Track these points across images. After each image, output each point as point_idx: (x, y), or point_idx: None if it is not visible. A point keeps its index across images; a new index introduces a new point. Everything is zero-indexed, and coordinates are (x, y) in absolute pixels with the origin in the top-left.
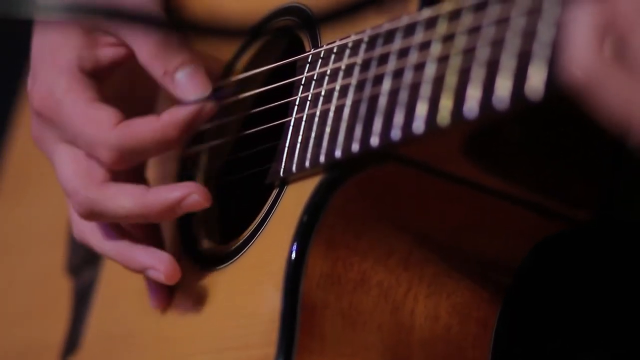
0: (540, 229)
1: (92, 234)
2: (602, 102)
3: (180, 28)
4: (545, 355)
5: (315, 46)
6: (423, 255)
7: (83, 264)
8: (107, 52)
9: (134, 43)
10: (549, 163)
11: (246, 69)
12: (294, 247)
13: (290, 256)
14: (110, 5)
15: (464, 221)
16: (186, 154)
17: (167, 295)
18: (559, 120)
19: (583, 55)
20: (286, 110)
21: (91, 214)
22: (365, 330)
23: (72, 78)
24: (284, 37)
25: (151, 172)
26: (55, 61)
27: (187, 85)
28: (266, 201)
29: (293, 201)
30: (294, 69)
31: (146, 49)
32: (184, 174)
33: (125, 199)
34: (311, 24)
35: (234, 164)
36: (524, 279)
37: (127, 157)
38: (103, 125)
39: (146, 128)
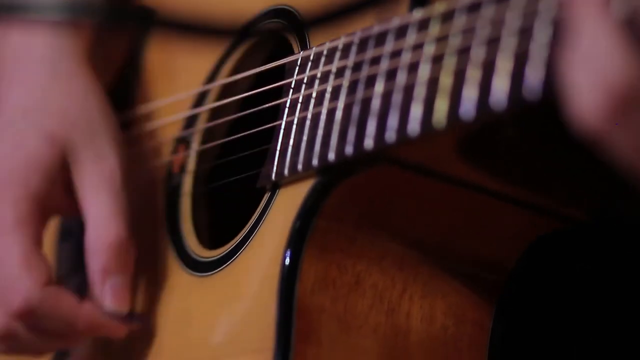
0: (535, 228)
1: None
2: (613, 150)
3: (168, 27)
4: (541, 355)
5: (304, 49)
6: (417, 256)
7: (72, 270)
8: (61, 202)
9: (89, 213)
10: (545, 162)
11: (233, 72)
12: (288, 253)
13: (284, 262)
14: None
15: (458, 221)
16: (174, 158)
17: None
18: (556, 120)
19: (590, 111)
20: (275, 113)
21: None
22: (361, 334)
23: (28, 208)
24: (272, 39)
25: (138, 178)
26: (16, 158)
27: (111, 296)
28: (257, 205)
29: (286, 205)
30: (281, 72)
31: (95, 233)
32: (172, 179)
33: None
34: (299, 26)
35: (222, 167)
36: (519, 279)
37: (34, 317)
38: (35, 278)
39: (66, 305)
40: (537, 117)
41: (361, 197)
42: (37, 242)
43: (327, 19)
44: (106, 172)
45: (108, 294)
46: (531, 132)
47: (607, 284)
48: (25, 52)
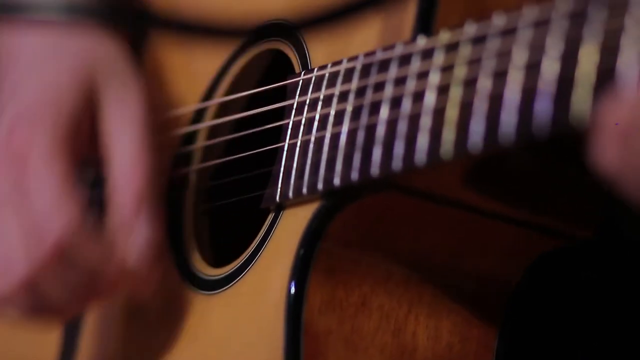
0: (537, 246)
1: None
2: (627, 190)
3: (174, 27)
4: None
5: (305, 66)
6: (422, 276)
7: None
8: (84, 146)
9: (114, 156)
10: (549, 185)
11: (231, 86)
12: (293, 283)
13: (290, 291)
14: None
15: (461, 242)
16: (174, 175)
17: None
18: (564, 151)
19: (609, 153)
20: (275, 132)
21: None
22: (368, 355)
23: (61, 142)
24: (270, 54)
25: None
26: (46, 93)
27: (139, 245)
28: (262, 226)
29: (290, 227)
30: (282, 91)
31: (121, 174)
32: (172, 194)
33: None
34: (298, 41)
35: (224, 186)
36: (522, 296)
37: (64, 261)
38: (72, 213)
39: (98, 249)
40: (546, 150)
41: (365, 220)
42: (71, 178)
43: (320, 23)
44: (131, 115)
45: (138, 239)
46: (538, 159)
47: (610, 300)
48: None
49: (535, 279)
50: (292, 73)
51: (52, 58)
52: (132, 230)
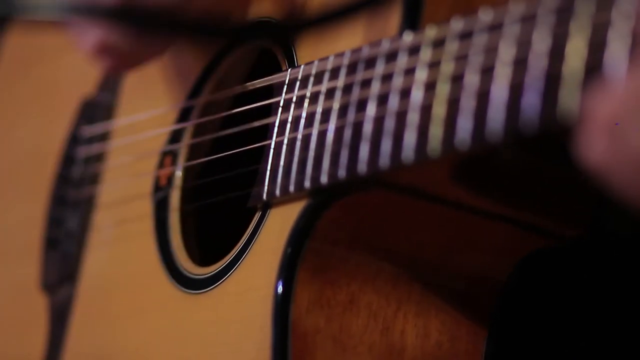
0: (525, 244)
1: None
2: (614, 185)
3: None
4: None
5: (292, 64)
6: (411, 274)
7: (59, 281)
8: None
9: None
10: (537, 181)
11: (218, 84)
12: (280, 282)
13: (277, 290)
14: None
15: (450, 239)
16: (160, 172)
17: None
18: (552, 148)
19: (596, 146)
20: (261, 130)
21: None
22: (357, 353)
23: None
24: (256, 51)
25: (123, 188)
26: None
27: None
28: (247, 223)
29: (277, 225)
30: (267, 88)
31: None
32: (158, 192)
33: None
34: (284, 39)
35: (210, 184)
36: (511, 294)
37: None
38: None
39: None
40: (533, 144)
41: (353, 217)
42: None
43: (310, 26)
44: None
45: None
46: (526, 156)
47: (600, 299)
48: None
49: (524, 277)
50: (278, 71)
51: None
52: None
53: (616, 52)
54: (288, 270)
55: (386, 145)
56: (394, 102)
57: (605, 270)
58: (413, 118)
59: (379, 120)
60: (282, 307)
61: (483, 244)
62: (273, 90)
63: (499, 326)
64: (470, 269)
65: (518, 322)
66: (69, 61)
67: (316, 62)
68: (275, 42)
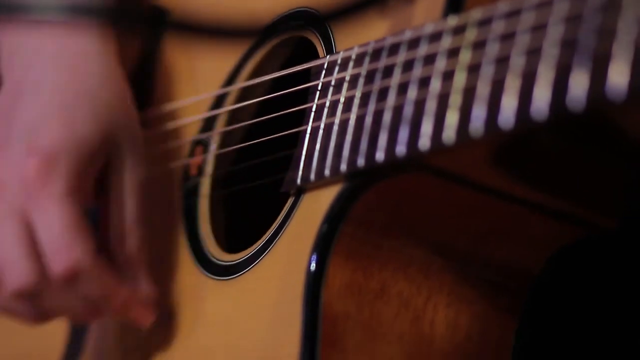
0: (562, 236)
1: None
2: None
3: (185, 29)
4: None
5: (330, 51)
6: (442, 264)
7: None
8: (89, 193)
9: (117, 215)
10: (577, 168)
11: (252, 75)
12: (314, 257)
13: (310, 267)
14: (111, 6)
15: (484, 228)
16: (191, 160)
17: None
18: (595, 131)
19: None
20: (294, 116)
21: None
22: (386, 341)
23: (77, 184)
24: (293, 42)
25: (154, 178)
26: (69, 128)
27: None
28: (278, 209)
29: (312, 210)
30: (305, 76)
31: (123, 237)
32: (189, 181)
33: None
34: (323, 27)
35: (241, 171)
36: (543, 287)
37: (76, 281)
38: (88, 245)
39: (110, 279)
40: (576, 127)
41: (388, 203)
42: (82, 220)
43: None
44: (139, 180)
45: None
46: (567, 139)
47: (631, 293)
48: (59, 48)
49: (557, 271)
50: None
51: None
52: (134, 277)
53: None
54: (322, 249)
55: (426, 127)
56: (435, 84)
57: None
58: (456, 99)
59: (420, 102)
60: (314, 286)
61: (518, 234)
62: (310, 77)
63: (530, 320)
64: (503, 260)
65: (549, 316)
66: None
67: (356, 47)
68: (313, 32)
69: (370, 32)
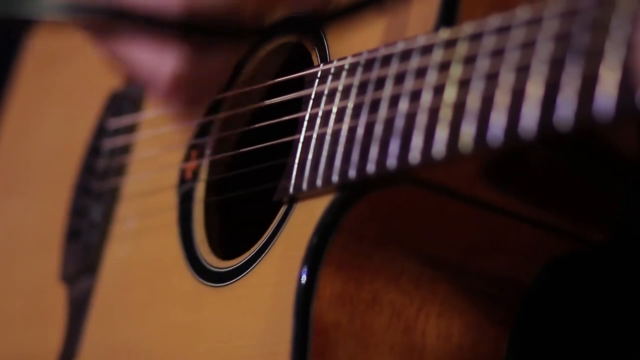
0: (553, 248)
1: None
2: None
3: (187, 29)
4: None
5: (324, 58)
6: (434, 274)
7: (79, 272)
8: None
9: None
10: (566, 182)
11: (248, 79)
12: (304, 270)
13: (300, 280)
14: (115, 5)
15: (476, 240)
16: (186, 165)
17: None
18: (583, 147)
19: None
20: (288, 124)
21: None
22: (378, 351)
23: None
24: (288, 47)
25: (148, 180)
26: None
27: None
28: (272, 217)
29: (303, 220)
30: (298, 83)
31: None
32: (183, 185)
33: None
34: (317, 33)
35: (237, 176)
36: (535, 299)
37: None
38: None
39: None
40: (565, 144)
41: (380, 214)
42: None
43: (341, 15)
44: None
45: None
46: (556, 154)
47: (622, 304)
48: None
49: (549, 282)
50: (310, 66)
51: None
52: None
53: None
54: (313, 261)
55: (417, 141)
56: (427, 97)
57: (631, 276)
58: (446, 113)
59: (411, 116)
60: (304, 299)
61: (509, 246)
62: (304, 84)
63: (521, 330)
64: (494, 271)
65: (541, 327)
66: (96, 57)
67: (349, 57)
68: (307, 38)
69: (363, 39)
